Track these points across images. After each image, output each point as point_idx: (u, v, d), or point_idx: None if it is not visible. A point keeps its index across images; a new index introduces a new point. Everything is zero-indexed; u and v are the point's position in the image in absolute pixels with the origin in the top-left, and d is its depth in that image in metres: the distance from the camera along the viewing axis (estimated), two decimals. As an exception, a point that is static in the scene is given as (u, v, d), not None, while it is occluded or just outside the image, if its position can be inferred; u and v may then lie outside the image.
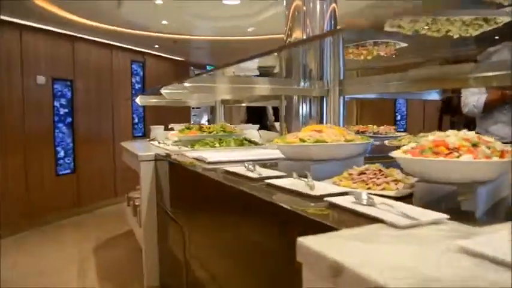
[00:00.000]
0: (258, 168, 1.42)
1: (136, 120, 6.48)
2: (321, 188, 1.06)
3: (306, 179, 1.12)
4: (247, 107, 6.50)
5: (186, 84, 1.76)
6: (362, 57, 2.32)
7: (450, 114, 4.27)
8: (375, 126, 2.18)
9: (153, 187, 2.43)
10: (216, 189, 1.43)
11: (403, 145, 1.02)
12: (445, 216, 0.72)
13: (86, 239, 4.19)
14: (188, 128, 2.95)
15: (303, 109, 2.18)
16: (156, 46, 6.17)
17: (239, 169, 1.45)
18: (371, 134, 2.15)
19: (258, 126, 4.17)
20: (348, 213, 0.84)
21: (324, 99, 2.15)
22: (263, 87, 2.05)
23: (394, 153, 0.98)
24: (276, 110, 7.87)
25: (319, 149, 1.33)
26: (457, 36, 1.74)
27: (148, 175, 2.42)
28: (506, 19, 1.59)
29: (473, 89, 2.31)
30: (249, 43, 5.73)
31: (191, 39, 5.84)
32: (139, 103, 3.60)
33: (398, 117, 8.46)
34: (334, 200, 0.91)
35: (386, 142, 1.66)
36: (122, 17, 4.66)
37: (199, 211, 1.69)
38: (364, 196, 0.89)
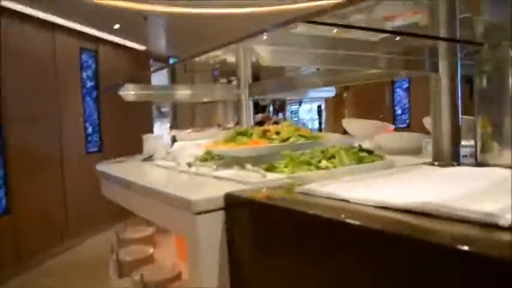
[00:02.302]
0: None
1: (90, 130, 4.83)
2: None
3: None
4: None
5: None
6: None
7: None
8: None
9: (224, 264, 1.11)
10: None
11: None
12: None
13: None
14: (242, 134, 1.64)
15: None
16: (117, 26, 4.45)
17: None
18: None
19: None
20: None
21: None
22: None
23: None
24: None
25: None
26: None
27: (214, 242, 1.09)
28: None
29: None
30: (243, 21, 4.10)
31: (170, 12, 4.20)
32: (124, 97, 2.21)
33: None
34: None
35: None
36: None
37: None
38: None
